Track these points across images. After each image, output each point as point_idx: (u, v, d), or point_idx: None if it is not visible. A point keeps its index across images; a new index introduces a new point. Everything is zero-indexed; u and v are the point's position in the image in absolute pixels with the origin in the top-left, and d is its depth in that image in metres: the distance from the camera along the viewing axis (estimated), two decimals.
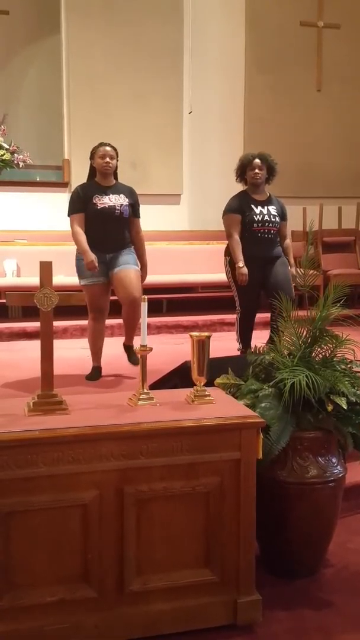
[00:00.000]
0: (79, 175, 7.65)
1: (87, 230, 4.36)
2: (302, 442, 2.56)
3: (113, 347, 4.68)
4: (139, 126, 8.22)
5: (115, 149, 4.40)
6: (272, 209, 4.73)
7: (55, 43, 8.31)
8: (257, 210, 4.68)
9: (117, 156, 4.43)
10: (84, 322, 4.79)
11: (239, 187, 5.02)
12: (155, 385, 3.01)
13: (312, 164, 8.79)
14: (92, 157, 4.44)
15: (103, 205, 4.33)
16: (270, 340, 4.22)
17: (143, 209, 4.57)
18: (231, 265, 4.72)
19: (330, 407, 2.52)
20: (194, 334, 2.46)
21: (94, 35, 8.14)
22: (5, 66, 8.49)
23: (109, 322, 4.57)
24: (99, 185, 4.40)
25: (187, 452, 2.21)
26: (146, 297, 2.46)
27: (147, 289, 4.74)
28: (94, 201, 4.33)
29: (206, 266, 7.38)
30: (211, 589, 2.28)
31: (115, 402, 2.46)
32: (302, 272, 2.93)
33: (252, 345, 3.62)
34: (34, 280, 2.38)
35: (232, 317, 5.16)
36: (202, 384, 2.47)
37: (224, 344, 4.55)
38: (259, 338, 4.68)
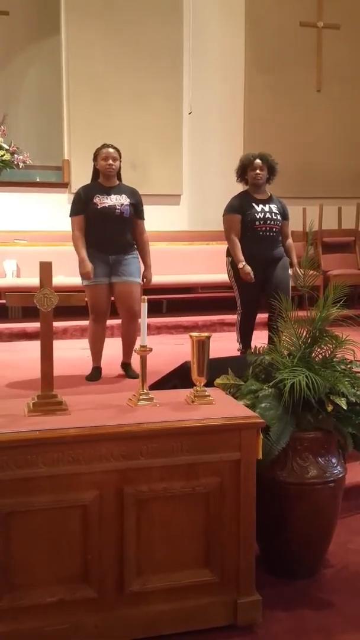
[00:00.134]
0: (78, 176, 7.68)
1: (89, 230, 4.38)
2: (302, 442, 2.56)
3: (113, 347, 4.68)
4: (138, 126, 8.22)
5: (118, 150, 4.41)
6: (274, 207, 4.73)
7: (55, 43, 8.31)
8: (259, 208, 4.69)
9: (120, 157, 4.43)
10: (84, 323, 4.80)
11: (239, 187, 5.03)
12: (155, 386, 3.01)
13: (312, 164, 8.79)
14: (95, 159, 4.44)
15: (103, 205, 4.34)
16: (270, 341, 4.23)
17: None
18: (233, 265, 4.72)
19: (330, 408, 2.52)
20: (194, 334, 2.45)
21: (93, 36, 8.14)
22: (5, 66, 8.49)
23: (109, 322, 4.57)
24: (101, 186, 4.41)
25: (187, 453, 2.21)
26: (146, 297, 2.46)
27: (147, 289, 4.74)
28: (95, 201, 4.34)
29: (206, 266, 7.38)
30: (211, 589, 2.28)
31: (115, 403, 2.46)
32: (302, 272, 2.93)
33: (252, 346, 3.62)
34: (33, 280, 2.38)
35: (232, 317, 5.16)
36: (202, 384, 2.47)
37: (224, 345, 4.55)
38: (259, 338, 4.68)
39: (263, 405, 2.52)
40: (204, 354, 2.43)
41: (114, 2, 8.18)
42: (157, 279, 4.65)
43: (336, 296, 2.74)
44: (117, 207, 4.35)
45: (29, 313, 6.40)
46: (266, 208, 4.70)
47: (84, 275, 4.33)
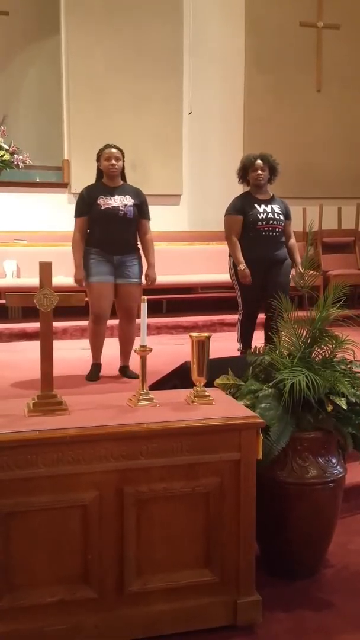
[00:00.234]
0: (78, 176, 7.69)
1: (92, 231, 4.40)
2: (302, 442, 2.56)
3: (113, 347, 4.68)
4: (138, 127, 8.21)
5: (121, 150, 4.42)
6: (276, 207, 4.73)
7: (55, 43, 8.31)
8: (261, 208, 4.68)
9: (123, 157, 4.44)
10: (84, 323, 4.80)
11: (239, 188, 5.03)
12: (155, 386, 3.01)
13: (312, 164, 8.79)
14: (98, 159, 4.45)
15: (107, 206, 4.35)
16: (267, 341, 4.23)
17: None
18: (235, 265, 4.72)
19: (330, 408, 2.53)
20: (194, 334, 2.46)
21: (93, 36, 8.14)
22: (5, 67, 8.49)
23: (108, 322, 4.56)
24: (105, 187, 4.42)
25: (187, 453, 2.21)
26: (146, 297, 2.46)
27: (147, 290, 4.74)
28: (99, 202, 4.35)
29: (206, 267, 7.38)
30: (211, 589, 2.28)
31: (115, 403, 2.46)
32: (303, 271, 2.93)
33: (253, 346, 3.62)
34: (33, 280, 2.38)
35: (232, 317, 5.17)
36: (202, 384, 2.47)
37: (224, 345, 4.55)
38: (260, 339, 4.69)
39: (263, 405, 2.52)
40: (204, 354, 2.43)
41: (113, 3, 8.18)
42: (157, 279, 4.64)
43: (336, 296, 2.75)
44: (121, 208, 4.36)
45: (29, 313, 6.40)
46: (268, 208, 4.70)
47: (77, 282, 4.38)
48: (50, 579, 2.14)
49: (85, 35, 8.12)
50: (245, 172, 4.82)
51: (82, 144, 7.80)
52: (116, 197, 4.38)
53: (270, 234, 4.68)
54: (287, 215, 4.80)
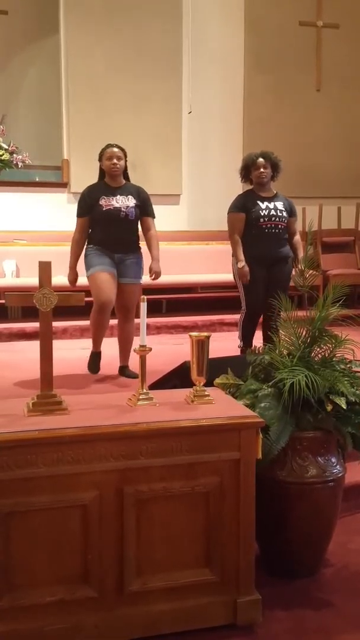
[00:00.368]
0: (78, 176, 7.69)
1: (94, 230, 4.42)
2: (302, 442, 2.56)
3: (113, 347, 4.68)
4: (138, 127, 8.21)
5: (122, 150, 4.41)
6: (279, 204, 4.72)
7: (55, 43, 8.30)
8: (263, 205, 4.68)
9: (125, 156, 4.43)
10: (84, 323, 4.80)
11: (239, 187, 5.02)
12: (155, 386, 3.01)
13: (312, 164, 8.78)
14: (100, 159, 4.45)
15: (109, 207, 4.34)
16: (266, 340, 4.22)
17: None
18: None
19: (329, 407, 2.53)
20: (194, 334, 2.46)
21: (93, 36, 8.13)
22: (4, 66, 8.48)
23: (109, 322, 4.56)
24: (107, 186, 4.42)
25: (187, 452, 2.21)
26: (146, 297, 2.46)
27: (147, 289, 4.74)
28: (101, 203, 4.35)
29: (205, 266, 7.38)
30: (211, 589, 2.28)
31: (114, 403, 2.46)
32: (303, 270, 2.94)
33: (253, 346, 3.62)
34: (33, 280, 2.38)
35: (231, 317, 5.17)
36: (202, 384, 2.47)
37: (224, 344, 4.55)
38: (260, 338, 4.68)
39: (262, 404, 2.52)
40: (204, 353, 2.43)
41: (113, 2, 8.17)
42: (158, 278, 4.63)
43: (336, 296, 2.75)
44: (123, 209, 4.35)
45: (29, 313, 6.40)
46: (271, 205, 4.69)
47: (70, 282, 4.43)
48: (50, 578, 2.14)
49: (85, 35, 8.12)
50: (247, 170, 4.81)
51: (82, 143, 7.80)
52: (118, 197, 4.37)
53: (273, 231, 4.67)
54: (291, 213, 4.78)
